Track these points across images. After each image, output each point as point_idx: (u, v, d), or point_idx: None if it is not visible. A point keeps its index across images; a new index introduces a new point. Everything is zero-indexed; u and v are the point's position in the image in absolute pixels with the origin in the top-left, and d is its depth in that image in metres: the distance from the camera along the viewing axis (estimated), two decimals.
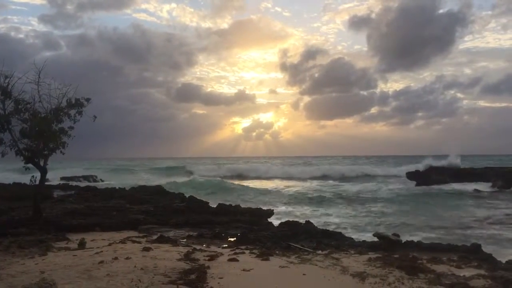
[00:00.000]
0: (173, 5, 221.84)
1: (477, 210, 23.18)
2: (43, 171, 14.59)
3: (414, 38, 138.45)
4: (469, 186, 35.75)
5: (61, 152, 14.69)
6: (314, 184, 45.43)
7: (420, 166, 44.04)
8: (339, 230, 15.43)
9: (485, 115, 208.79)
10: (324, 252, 10.86)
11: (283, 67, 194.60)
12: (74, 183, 39.40)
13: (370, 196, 31.27)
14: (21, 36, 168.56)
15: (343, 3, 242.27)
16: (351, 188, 38.98)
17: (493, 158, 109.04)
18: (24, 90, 13.91)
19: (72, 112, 14.58)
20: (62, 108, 14.46)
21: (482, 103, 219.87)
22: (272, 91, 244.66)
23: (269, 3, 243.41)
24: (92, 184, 40.87)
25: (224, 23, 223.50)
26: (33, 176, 14.59)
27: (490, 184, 36.57)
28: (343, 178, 54.20)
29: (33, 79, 14.02)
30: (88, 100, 14.68)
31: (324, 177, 56.79)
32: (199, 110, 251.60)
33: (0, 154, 13.71)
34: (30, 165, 14.36)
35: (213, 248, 11.30)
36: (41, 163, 14.50)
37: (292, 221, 15.95)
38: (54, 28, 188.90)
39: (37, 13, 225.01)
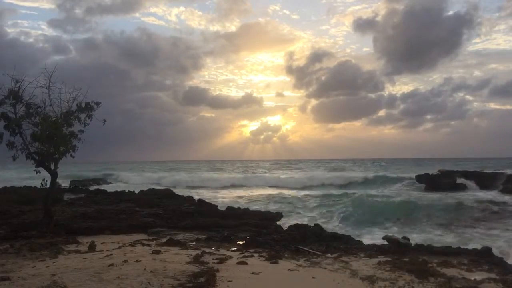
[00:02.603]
0: (182, 8, 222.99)
1: (486, 215, 22.91)
2: (54, 175, 14.71)
3: (421, 40, 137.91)
4: (478, 191, 35.36)
5: (71, 155, 14.81)
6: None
7: None
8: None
9: (495, 118, 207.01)
10: (333, 256, 10.84)
11: (289, 70, 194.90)
12: (84, 187, 39.66)
13: None
14: (31, 40, 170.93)
15: (352, 5, 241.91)
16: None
17: (504, 161, 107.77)
18: (35, 94, 14.06)
19: (82, 116, 14.70)
20: (73, 112, 14.57)
21: (492, 105, 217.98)
22: (280, 94, 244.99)
23: (278, 6, 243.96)
24: (102, 187, 41.13)
25: (233, 26, 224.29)
26: (44, 179, 14.71)
27: (500, 187, 36.20)
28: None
29: (44, 83, 14.17)
30: (98, 104, 14.78)
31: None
32: (207, 113, 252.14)
33: (11, 157, 13.85)
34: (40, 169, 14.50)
35: (222, 251, 11.31)
36: (52, 167, 14.62)
37: (301, 224, 15.95)
38: (64, 33, 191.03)
39: (46, 18, 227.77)
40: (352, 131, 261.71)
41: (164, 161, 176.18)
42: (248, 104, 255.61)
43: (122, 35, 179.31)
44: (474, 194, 33.32)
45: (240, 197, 34.24)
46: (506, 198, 30.51)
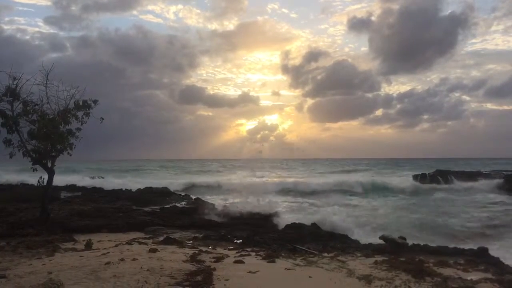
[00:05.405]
0: (180, 6, 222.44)
1: (483, 215, 22.89)
2: (51, 172, 14.68)
3: (416, 40, 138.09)
4: (473, 191, 35.33)
5: (68, 153, 14.79)
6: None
7: None
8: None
9: (491, 118, 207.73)
10: (330, 255, 10.85)
11: (285, 69, 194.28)
12: (81, 185, 39.51)
13: None
14: (27, 37, 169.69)
15: (351, 4, 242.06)
16: None
17: (500, 161, 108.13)
18: (32, 91, 14.04)
19: (80, 114, 14.69)
20: (70, 109, 14.56)
21: (489, 106, 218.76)
22: (276, 93, 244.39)
23: (276, 5, 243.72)
24: (98, 185, 41.04)
25: (231, 24, 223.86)
26: (41, 177, 14.69)
27: (496, 187, 36.30)
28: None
29: (41, 81, 14.14)
30: (95, 102, 14.77)
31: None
32: (204, 112, 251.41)
33: (8, 155, 13.81)
34: (37, 166, 14.46)
35: (219, 250, 11.32)
36: (49, 165, 14.59)
37: (298, 223, 15.92)
38: (60, 30, 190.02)
39: (43, 15, 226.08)
40: (349, 131, 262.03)
41: (156, 160, 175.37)
42: (245, 103, 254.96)
43: (117, 33, 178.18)
44: (470, 195, 33.40)
45: None
46: (502, 198, 30.63)
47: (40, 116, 14.12)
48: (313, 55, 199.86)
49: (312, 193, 35.01)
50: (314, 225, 15.58)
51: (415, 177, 44.22)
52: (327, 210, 19.99)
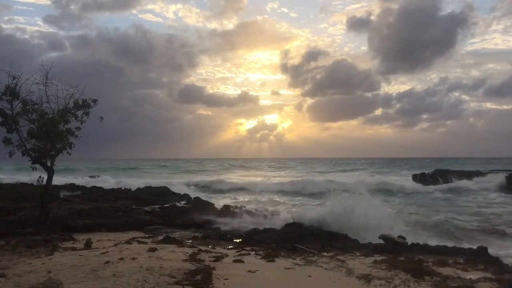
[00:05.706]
0: (179, 5, 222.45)
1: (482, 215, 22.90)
2: (50, 172, 14.67)
3: (415, 40, 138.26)
4: (473, 191, 35.30)
5: (67, 152, 14.79)
6: None
7: None
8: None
9: (491, 117, 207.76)
10: (329, 254, 10.85)
11: (284, 68, 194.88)
12: (80, 184, 39.49)
13: None
14: (26, 36, 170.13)
15: (351, 3, 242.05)
16: None
17: (500, 161, 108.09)
18: (32, 91, 14.03)
19: (79, 113, 14.67)
20: (69, 109, 14.54)
21: (488, 105, 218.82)
22: (275, 93, 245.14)
23: (276, 4, 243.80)
24: (98, 184, 41.00)
25: (230, 23, 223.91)
26: (40, 177, 14.68)
27: (496, 187, 36.30)
28: None
29: (41, 80, 14.13)
30: (95, 101, 14.76)
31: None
32: (203, 111, 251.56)
33: (7, 154, 13.81)
34: (37, 165, 14.45)
35: (218, 249, 11.32)
36: (48, 164, 14.58)
37: (298, 222, 15.91)
38: (59, 29, 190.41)
39: (42, 14, 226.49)
40: (348, 130, 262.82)
41: (157, 159, 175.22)
42: (245, 103, 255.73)
43: (117, 32, 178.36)
44: (469, 194, 33.42)
45: None
46: (502, 197, 30.66)
47: (39, 115, 14.11)
48: (312, 55, 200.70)
49: (312, 192, 35.15)
50: (313, 224, 15.56)
51: (415, 176, 44.21)
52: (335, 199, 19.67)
